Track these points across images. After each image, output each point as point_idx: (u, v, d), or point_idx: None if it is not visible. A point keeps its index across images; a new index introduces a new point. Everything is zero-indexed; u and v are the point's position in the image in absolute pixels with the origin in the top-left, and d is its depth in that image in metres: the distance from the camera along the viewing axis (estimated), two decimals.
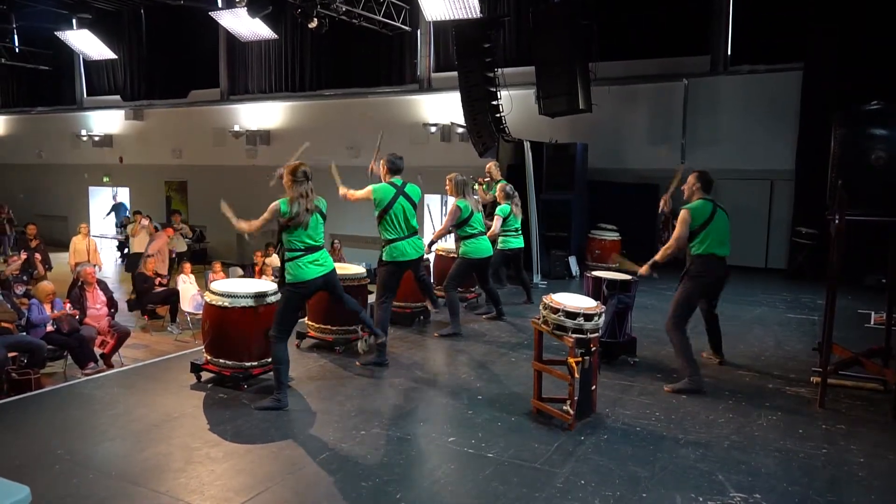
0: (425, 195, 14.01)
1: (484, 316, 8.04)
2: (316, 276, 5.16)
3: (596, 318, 4.74)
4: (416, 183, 6.52)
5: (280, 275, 5.24)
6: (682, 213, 5.60)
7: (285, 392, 5.11)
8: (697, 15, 12.72)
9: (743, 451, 4.40)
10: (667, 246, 5.68)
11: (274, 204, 5.07)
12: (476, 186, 10.17)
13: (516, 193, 8.58)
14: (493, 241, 8.02)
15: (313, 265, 5.15)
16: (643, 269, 5.92)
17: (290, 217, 5.03)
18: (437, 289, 8.00)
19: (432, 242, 7.76)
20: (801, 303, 9.22)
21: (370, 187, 6.15)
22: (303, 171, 5.14)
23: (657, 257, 5.75)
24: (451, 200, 7.60)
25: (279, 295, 5.53)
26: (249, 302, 5.44)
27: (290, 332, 5.32)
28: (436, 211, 15.33)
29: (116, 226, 20.21)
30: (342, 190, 6.22)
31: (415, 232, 6.29)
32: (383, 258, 6.22)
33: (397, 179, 6.22)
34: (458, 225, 7.41)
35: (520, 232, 8.55)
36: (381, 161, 6.31)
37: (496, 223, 8.17)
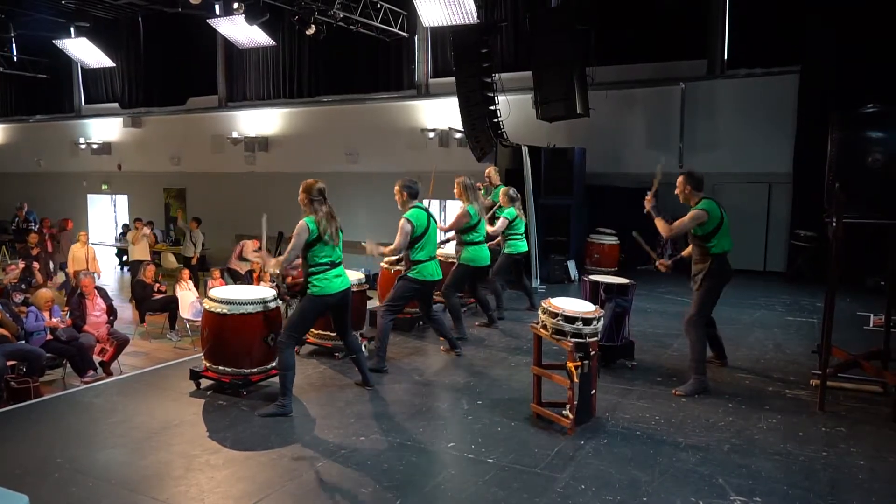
0: (423, 200, 14.07)
1: (476, 323, 8.00)
2: (338, 291, 5.24)
3: (594, 323, 4.74)
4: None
5: (302, 287, 5.29)
6: (698, 212, 5.56)
7: (290, 398, 5.12)
8: (694, 19, 12.75)
9: (743, 455, 4.40)
10: (668, 225, 5.72)
11: (301, 224, 5.10)
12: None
13: (519, 196, 8.57)
14: (494, 240, 8.00)
15: (337, 279, 5.25)
16: (660, 263, 5.98)
17: (318, 236, 5.10)
18: (436, 294, 8.00)
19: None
20: (800, 305, 9.22)
21: (403, 221, 6.13)
22: (318, 189, 5.19)
23: (657, 222, 5.79)
24: (451, 205, 7.57)
25: (278, 301, 5.54)
26: (248, 309, 5.44)
27: (299, 341, 5.32)
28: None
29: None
30: (389, 250, 6.17)
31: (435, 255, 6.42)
32: (410, 276, 6.26)
33: (420, 203, 6.27)
34: (464, 230, 7.39)
35: (524, 235, 8.54)
36: (397, 187, 6.29)
37: (500, 223, 8.15)
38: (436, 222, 6.44)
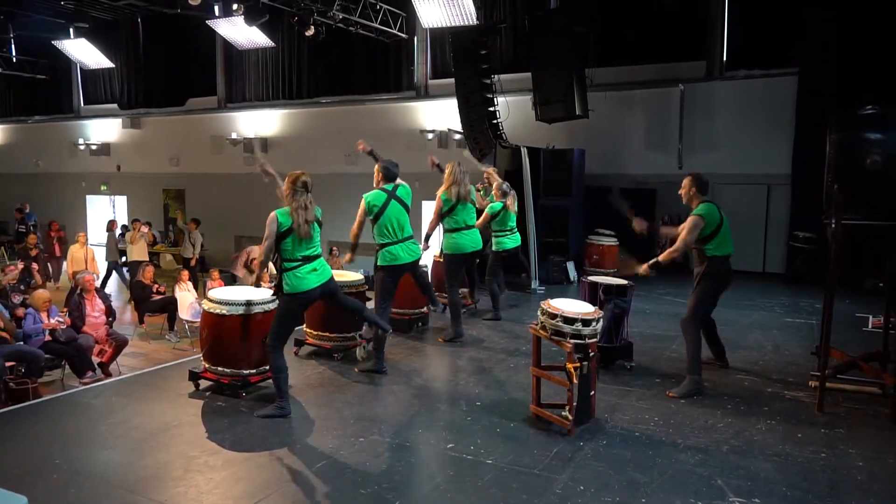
0: (423, 201, 14.07)
1: (485, 318, 8.03)
2: (315, 286, 5.09)
3: (594, 324, 4.74)
4: (414, 189, 6.50)
5: (277, 283, 5.18)
6: (695, 220, 5.59)
7: (287, 399, 5.11)
8: (693, 20, 12.76)
9: (742, 456, 4.40)
10: (673, 249, 5.69)
11: (270, 216, 4.98)
12: (474, 193, 10.17)
13: (513, 190, 8.50)
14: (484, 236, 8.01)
15: (312, 275, 5.08)
16: (643, 269, 5.91)
17: (289, 228, 4.97)
18: (440, 295, 8.00)
19: (427, 237, 7.57)
20: (799, 307, 9.22)
21: (362, 200, 6.14)
22: (303, 181, 5.05)
23: (661, 258, 5.74)
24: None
25: (277, 302, 5.52)
26: (247, 309, 5.44)
27: (286, 341, 5.28)
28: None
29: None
30: (355, 228, 6.17)
31: (410, 236, 6.28)
32: (378, 263, 6.23)
33: (388, 185, 6.22)
34: (442, 216, 7.34)
35: (515, 230, 8.42)
36: (376, 167, 6.27)
37: (482, 218, 8.06)
38: (402, 205, 6.22)
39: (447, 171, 7.38)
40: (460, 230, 7.36)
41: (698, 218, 5.59)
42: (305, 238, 5.02)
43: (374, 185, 6.24)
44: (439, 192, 7.30)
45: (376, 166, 6.26)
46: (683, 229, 5.66)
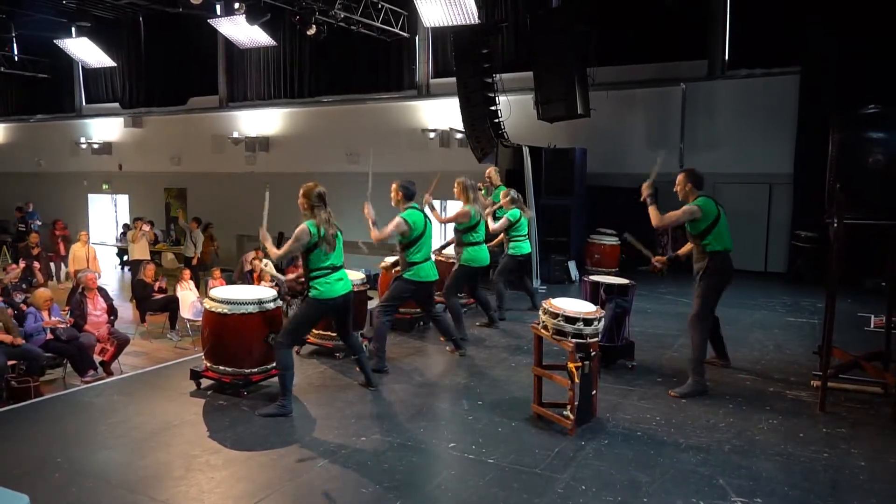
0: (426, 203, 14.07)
1: (477, 323, 8.00)
2: (340, 294, 5.26)
3: (595, 323, 4.74)
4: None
5: (303, 289, 5.29)
6: (691, 207, 5.56)
7: (290, 398, 5.12)
8: (694, 19, 12.76)
9: (744, 455, 4.39)
10: (661, 218, 5.68)
11: (302, 228, 5.09)
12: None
13: (521, 197, 8.57)
14: (495, 241, 8.02)
15: (339, 283, 5.26)
16: (656, 260, 5.98)
17: (321, 238, 5.10)
18: (438, 294, 7.99)
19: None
20: (800, 306, 9.21)
21: (399, 219, 6.17)
22: (317, 193, 5.18)
23: (655, 219, 5.74)
24: (451, 205, 7.56)
25: (279, 301, 5.53)
26: (249, 308, 5.44)
27: (296, 342, 5.33)
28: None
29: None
30: (375, 233, 6.16)
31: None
32: (406, 276, 6.28)
33: (415, 205, 6.29)
34: (464, 231, 7.39)
35: (528, 237, 8.52)
36: (394, 186, 6.31)
37: (502, 222, 8.15)
38: (431, 224, 6.49)
39: (459, 189, 7.41)
40: (479, 244, 7.45)
41: (696, 207, 5.56)
42: (332, 249, 5.20)
43: (394, 204, 6.31)
44: (467, 207, 7.30)
45: (394, 185, 6.32)
46: (677, 212, 5.64)
